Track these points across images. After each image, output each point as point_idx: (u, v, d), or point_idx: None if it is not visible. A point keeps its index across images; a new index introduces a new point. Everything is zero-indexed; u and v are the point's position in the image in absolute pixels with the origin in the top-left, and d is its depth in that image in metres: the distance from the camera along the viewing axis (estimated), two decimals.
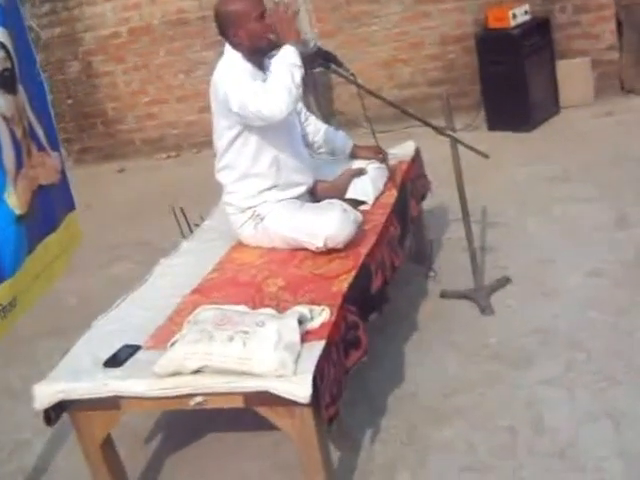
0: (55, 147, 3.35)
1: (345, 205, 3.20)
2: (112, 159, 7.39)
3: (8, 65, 2.93)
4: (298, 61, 3.04)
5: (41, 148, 3.22)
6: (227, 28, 3.18)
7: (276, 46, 3.25)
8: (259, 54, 3.26)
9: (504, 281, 3.73)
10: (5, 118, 2.87)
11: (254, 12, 3.14)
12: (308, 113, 3.70)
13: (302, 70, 3.04)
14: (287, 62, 3.02)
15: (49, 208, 3.25)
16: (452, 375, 3.17)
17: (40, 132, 3.21)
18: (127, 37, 6.97)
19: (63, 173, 3.40)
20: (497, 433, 2.80)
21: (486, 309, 3.53)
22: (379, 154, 3.65)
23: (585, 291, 3.56)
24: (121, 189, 6.69)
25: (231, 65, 3.19)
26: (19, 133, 2.99)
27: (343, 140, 3.68)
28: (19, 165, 2.96)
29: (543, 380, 3.02)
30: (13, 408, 3.51)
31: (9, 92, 2.94)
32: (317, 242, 3.08)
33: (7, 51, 2.93)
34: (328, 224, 3.07)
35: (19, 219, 2.92)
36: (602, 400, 2.85)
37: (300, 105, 3.67)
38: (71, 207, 3.48)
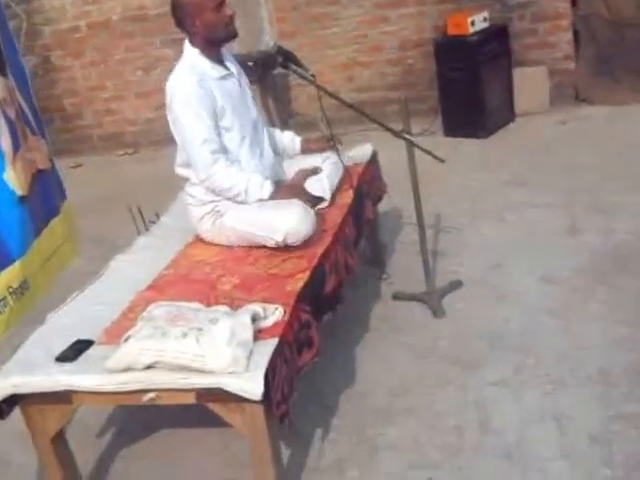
0: (43, 134, 3.31)
1: (304, 204, 3.22)
2: (68, 154, 7.29)
3: None
4: (258, 198, 3.26)
5: (34, 132, 3.18)
6: (184, 19, 3.24)
7: (233, 36, 3.29)
8: (216, 45, 3.32)
9: (456, 284, 3.79)
10: None
11: (211, 3, 3.20)
12: None
13: (247, 199, 3.26)
14: (258, 192, 3.25)
15: (49, 192, 3.23)
16: (402, 375, 3.21)
17: (30, 117, 3.17)
18: (86, 31, 6.90)
19: (51, 161, 3.36)
20: (445, 432, 2.85)
21: (437, 311, 3.58)
22: (329, 143, 3.69)
23: (537, 296, 3.61)
24: (77, 185, 6.58)
25: (185, 78, 3.21)
26: (12, 115, 2.95)
27: (290, 137, 3.76)
28: (16, 146, 2.93)
29: (492, 382, 3.07)
30: None
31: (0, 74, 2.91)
32: (277, 237, 3.10)
33: None
34: (288, 219, 3.10)
35: (21, 200, 2.89)
36: (548, 403, 2.90)
37: None
38: (64, 195, 3.45)
